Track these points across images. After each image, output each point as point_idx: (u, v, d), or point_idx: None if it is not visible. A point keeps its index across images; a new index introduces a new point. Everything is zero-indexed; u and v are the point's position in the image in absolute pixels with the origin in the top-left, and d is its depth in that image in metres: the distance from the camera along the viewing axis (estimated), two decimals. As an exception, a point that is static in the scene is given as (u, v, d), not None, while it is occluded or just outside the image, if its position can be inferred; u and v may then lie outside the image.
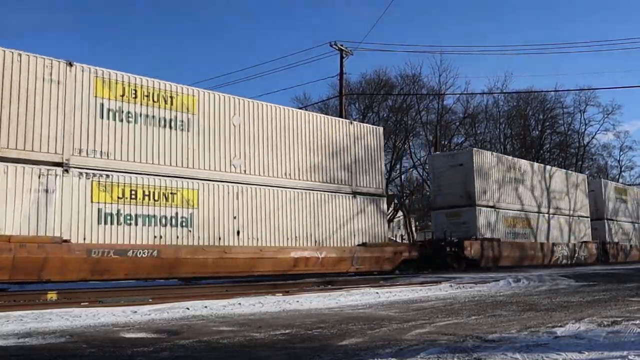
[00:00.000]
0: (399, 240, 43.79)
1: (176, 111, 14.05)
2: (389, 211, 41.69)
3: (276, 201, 15.66)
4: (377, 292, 11.17)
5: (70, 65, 12.47)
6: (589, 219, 31.68)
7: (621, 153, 57.96)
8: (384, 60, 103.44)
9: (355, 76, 61.44)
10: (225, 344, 5.19)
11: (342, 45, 27.28)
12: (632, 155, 78.78)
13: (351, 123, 18.47)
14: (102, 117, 12.78)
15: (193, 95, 14.48)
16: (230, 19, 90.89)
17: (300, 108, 39.06)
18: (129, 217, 12.79)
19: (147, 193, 13.19)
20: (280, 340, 5.38)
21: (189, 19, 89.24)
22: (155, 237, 13.10)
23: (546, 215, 27.74)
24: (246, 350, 4.89)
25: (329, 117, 18.74)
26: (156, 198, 13.34)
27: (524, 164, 27.61)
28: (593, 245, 30.84)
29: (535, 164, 29.71)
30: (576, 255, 29.20)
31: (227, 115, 15.06)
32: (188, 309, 8.28)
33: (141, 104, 13.45)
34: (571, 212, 29.92)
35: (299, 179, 16.40)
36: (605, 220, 33.76)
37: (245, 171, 15.20)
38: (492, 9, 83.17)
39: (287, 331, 5.97)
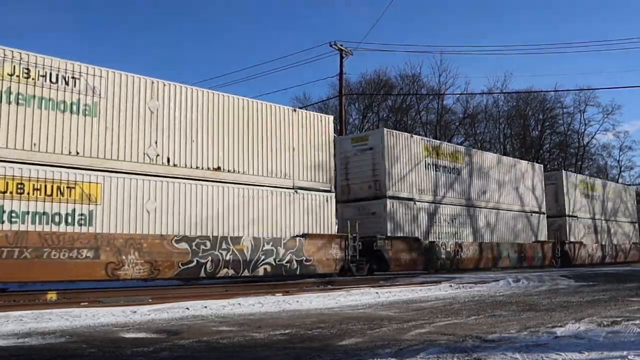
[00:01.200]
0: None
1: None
2: None
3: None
4: (376, 292, 11.17)
5: None
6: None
7: (621, 153, 58.06)
8: (384, 60, 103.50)
9: (355, 76, 61.52)
10: (225, 344, 5.19)
11: (342, 45, 27.30)
12: (631, 155, 78.90)
13: None
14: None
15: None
16: (230, 19, 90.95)
17: (301, 108, 39.18)
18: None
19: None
20: (280, 340, 5.38)
21: (189, 19, 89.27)
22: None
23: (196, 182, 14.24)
24: (246, 350, 4.89)
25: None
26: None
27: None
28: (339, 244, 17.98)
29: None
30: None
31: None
32: (188, 309, 8.28)
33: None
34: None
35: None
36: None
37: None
38: (492, 9, 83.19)
39: (286, 331, 5.97)
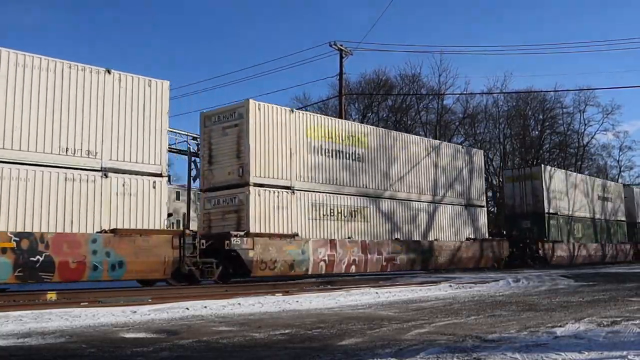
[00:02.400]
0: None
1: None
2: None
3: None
4: (376, 292, 11.17)
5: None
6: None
7: (620, 153, 57.94)
8: (384, 60, 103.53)
9: (354, 76, 61.46)
10: (225, 344, 5.19)
11: (341, 45, 27.27)
12: (631, 155, 78.92)
13: None
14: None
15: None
16: (231, 19, 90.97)
17: (300, 108, 39.26)
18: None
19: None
20: (280, 340, 5.38)
21: (189, 19, 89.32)
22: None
23: None
24: (246, 350, 4.89)
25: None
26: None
27: None
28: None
29: None
30: None
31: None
32: (187, 309, 8.28)
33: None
34: None
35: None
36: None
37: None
38: (492, 9, 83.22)
39: (286, 331, 5.97)
